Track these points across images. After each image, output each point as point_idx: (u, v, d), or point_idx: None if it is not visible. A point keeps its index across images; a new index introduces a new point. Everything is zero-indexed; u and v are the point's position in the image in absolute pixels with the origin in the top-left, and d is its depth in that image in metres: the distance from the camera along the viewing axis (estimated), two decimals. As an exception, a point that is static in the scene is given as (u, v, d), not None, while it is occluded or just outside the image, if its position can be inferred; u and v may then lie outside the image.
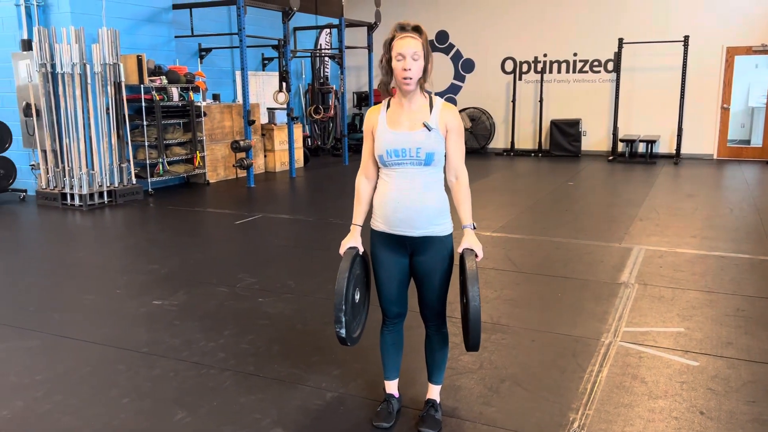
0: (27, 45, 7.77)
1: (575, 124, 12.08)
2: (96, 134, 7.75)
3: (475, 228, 2.60)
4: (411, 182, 2.52)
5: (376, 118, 2.60)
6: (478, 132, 12.93)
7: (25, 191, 8.28)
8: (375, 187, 2.67)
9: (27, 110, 7.86)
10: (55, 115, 7.66)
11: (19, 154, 8.25)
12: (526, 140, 12.75)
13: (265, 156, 10.47)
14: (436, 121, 2.51)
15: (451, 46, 13.14)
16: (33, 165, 8.13)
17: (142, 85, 8.14)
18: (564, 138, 12.16)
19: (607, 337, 3.67)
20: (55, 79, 7.57)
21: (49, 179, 7.86)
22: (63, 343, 3.66)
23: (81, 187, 7.64)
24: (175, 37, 9.27)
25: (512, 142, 12.59)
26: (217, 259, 5.43)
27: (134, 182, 8.22)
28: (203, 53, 10.09)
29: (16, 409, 2.91)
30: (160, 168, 8.51)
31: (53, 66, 7.54)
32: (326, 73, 12.88)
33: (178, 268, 5.14)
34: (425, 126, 2.49)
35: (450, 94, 13.24)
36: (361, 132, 13.74)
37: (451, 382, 3.13)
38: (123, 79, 7.93)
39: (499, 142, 13.01)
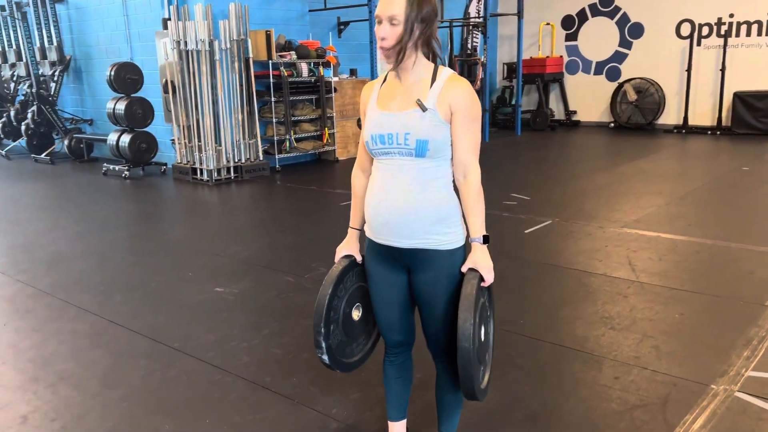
0: (166, 24, 8.06)
1: (766, 97, 10.17)
2: (227, 111, 7.86)
3: (487, 242, 1.96)
4: (398, 178, 1.94)
5: (368, 96, 2.05)
6: (644, 106, 11.44)
7: (166, 164, 8.71)
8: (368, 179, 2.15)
9: (166, 87, 8.19)
10: (188, 92, 7.88)
11: (162, 129, 8.68)
12: (702, 115, 11.03)
13: (399, 132, 10.08)
14: (435, 99, 1.89)
15: (617, 9, 11.68)
16: (172, 140, 8.51)
17: (270, 61, 8.11)
18: (751, 113, 10.31)
19: (722, 382, 2.79)
20: (187, 56, 7.76)
21: (184, 154, 8.16)
22: (107, 329, 3.57)
23: (209, 162, 7.83)
24: (309, 11, 9.14)
25: (685, 118, 10.96)
26: (303, 243, 5.16)
27: (261, 159, 8.27)
28: (341, 27, 9.89)
29: (20, 404, 2.81)
30: (287, 145, 8.48)
31: (186, 43, 7.73)
32: (474, 44, 12.13)
33: (259, 251, 4.95)
34: (419, 105, 1.89)
35: (614, 63, 11.85)
36: (510, 107, 12.85)
37: (467, 425, 2.51)
38: (251, 54, 7.95)
39: (669, 117, 11.40)
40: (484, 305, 2.00)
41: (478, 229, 1.96)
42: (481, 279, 1.94)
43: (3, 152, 10.46)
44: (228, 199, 7.17)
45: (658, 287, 3.94)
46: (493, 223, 5.51)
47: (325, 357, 2.09)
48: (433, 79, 1.92)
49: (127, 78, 8.22)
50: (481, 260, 1.95)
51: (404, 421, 2.32)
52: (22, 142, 10.46)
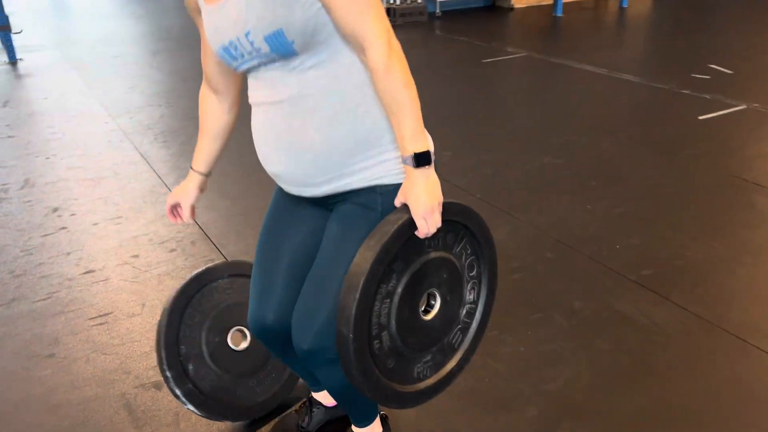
0: None
1: None
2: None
3: (426, 163, 1.11)
4: (274, 100, 1.19)
5: None
6: None
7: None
8: (231, 108, 1.41)
9: None
10: None
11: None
12: None
13: (597, -22, 8.37)
14: None
15: None
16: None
17: None
18: None
19: None
20: None
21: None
22: (141, 173, 3.30)
23: (361, 3, 7.12)
24: None
25: None
26: (439, 118, 4.41)
27: (419, 1, 7.34)
28: None
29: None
30: (452, -14, 7.42)
31: None
32: None
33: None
34: None
35: None
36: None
37: (445, 401, 1.78)
38: None
39: None
40: (436, 263, 1.20)
41: (407, 142, 1.11)
42: (411, 225, 1.12)
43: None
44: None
45: None
46: (661, 102, 4.25)
47: (191, 407, 1.52)
48: None
49: None
50: (412, 193, 1.11)
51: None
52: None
